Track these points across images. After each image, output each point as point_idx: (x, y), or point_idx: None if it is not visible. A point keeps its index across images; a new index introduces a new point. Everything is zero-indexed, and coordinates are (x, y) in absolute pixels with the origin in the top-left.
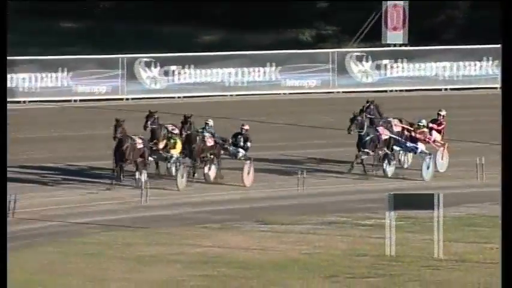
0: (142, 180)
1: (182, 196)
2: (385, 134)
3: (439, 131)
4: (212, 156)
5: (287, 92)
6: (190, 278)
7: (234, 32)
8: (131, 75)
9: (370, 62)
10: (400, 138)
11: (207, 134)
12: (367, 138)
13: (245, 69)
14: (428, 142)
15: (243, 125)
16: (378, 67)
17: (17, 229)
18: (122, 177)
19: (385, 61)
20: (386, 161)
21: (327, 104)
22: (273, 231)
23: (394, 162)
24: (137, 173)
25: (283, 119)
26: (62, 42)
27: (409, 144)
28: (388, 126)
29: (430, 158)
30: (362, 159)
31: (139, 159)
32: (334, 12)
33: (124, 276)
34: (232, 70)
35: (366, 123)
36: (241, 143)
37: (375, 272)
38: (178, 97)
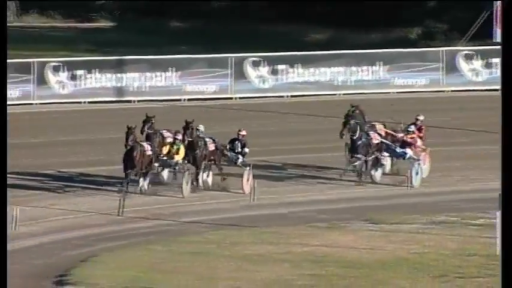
0: (145, 186)
1: (288, 195)
2: (376, 139)
3: (420, 137)
4: (211, 162)
5: (396, 91)
6: (298, 277)
7: (342, 31)
8: (240, 74)
9: (480, 61)
10: (390, 144)
11: (208, 139)
12: (360, 142)
13: (353, 68)
14: (415, 148)
15: (239, 131)
16: (488, 65)
17: (126, 228)
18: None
19: (495, 60)
20: (375, 166)
21: (436, 102)
22: (382, 230)
23: (383, 166)
24: (141, 180)
25: (395, 118)
26: (171, 42)
27: (398, 149)
28: (373, 131)
29: (418, 164)
30: (355, 165)
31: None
32: (443, 10)
33: (232, 275)
34: (340, 69)
35: (359, 127)
36: (239, 149)
37: (484, 272)
38: (287, 96)
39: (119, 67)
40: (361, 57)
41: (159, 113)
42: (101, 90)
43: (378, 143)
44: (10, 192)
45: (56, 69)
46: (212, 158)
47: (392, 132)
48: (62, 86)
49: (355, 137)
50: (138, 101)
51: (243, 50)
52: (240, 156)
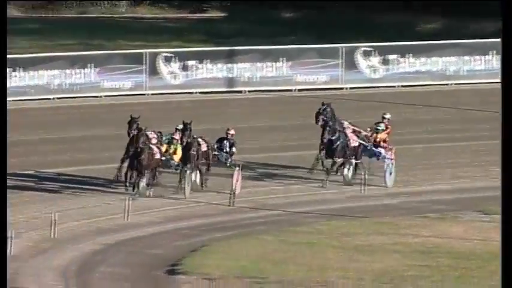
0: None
1: (397, 186)
2: (354, 140)
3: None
4: (204, 162)
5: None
6: (409, 268)
7: (455, 20)
8: (351, 64)
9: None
10: (367, 144)
11: (200, 140)
12: (338, 143)
13: (466, 57)
14: (386, 147)
15: (228, 130)
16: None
17: (237, 218)
18: (135, 186)
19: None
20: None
21: None
22: (495, 221)
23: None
24: (145, 181)
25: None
26: (282, 32)
27: (374, 149)
28: (341, 129)
29: (392, 164)
30: (327, 167)
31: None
32: None
33: (342, 265)
34: (452, 59)
35: (338, 128)
36: (227, 149)
37: None
38: (398, 86)
39: (230, 57)
40: (474, 47)
41: (269, 104)
42: (212, 81)
43: (355, 146)
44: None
45: (167, 60)
46: (204, 158)
47: (361, 130)
48: (173, 77)
49: (333, 138)
50: (249, 91)
51: (354, 39)
52: (229, 156)
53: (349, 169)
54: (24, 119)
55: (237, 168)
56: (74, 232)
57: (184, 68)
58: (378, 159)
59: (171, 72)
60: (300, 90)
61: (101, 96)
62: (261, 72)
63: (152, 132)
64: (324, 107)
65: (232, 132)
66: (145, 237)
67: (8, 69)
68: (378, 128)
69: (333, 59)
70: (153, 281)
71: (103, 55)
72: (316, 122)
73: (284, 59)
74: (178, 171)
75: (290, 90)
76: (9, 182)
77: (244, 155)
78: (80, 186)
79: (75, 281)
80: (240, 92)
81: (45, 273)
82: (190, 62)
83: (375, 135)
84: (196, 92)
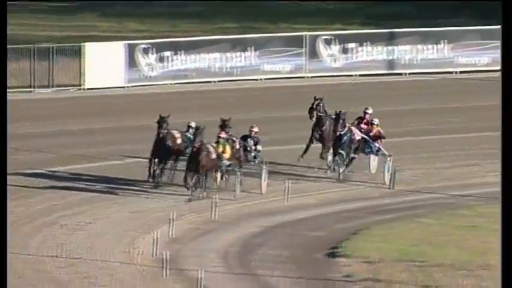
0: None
1: None
2: (357, 135)
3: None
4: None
5: None
6: None
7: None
8: None
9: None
10: (369, 139)
11: (234, 138)
12: (345, 138)
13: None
14: (381, 142)
15: (252, 127)
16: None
17: (398, 201)
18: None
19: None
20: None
21: None
22: None
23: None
24: (207, 181)
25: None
26: (443, 14)
27: (374, 144)
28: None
29: (390, 160)
30: (339, 163)
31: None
32: None
33: None
34: None
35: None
36: (252, 147)
37: None
38: None
39: (390, 40)
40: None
41: (430, 86)
42: (372, 63)
43: (359, 140)
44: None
45: (327, 43)
46: (237, 156)
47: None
48: (333, 59)
49: (342, 133)
50: (410, 73)
51: None
52: (258, 155)
53: (347, 166)
54: (186, 102)
55: (264, 166)
56: (235, 214)
57: (344, 51)
58: (376, 154)
59: (331, 55)
60: (461, 72)
61: (260, 79)
62: (422, 54)
63: (177, 132)
64: (317, 101)
65: (256, 129)
66: (305, 220)
67: (169, 53)
68: (373, 122)
69: (494, 41)
70: (314, 263)
71: (263, 38)
72: (310, 118)
73: (445, 41)
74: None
75: (451, 73)
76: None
77: (407, 137)
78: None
79: (236, 263)
80: (400, 74)
81: (207, 254)
82: (350, 45)
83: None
84: (356, 75)
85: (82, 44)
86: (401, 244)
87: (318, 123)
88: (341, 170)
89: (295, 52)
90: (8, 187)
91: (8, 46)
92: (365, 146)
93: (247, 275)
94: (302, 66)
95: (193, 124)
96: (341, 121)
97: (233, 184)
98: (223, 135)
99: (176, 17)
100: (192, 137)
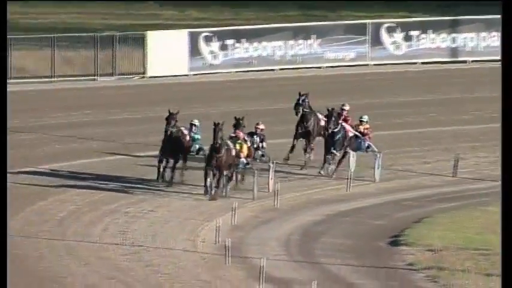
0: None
1: None
2: (350, 132)
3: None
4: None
5: None
6: None
7: None
8: None
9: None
10: (360, 136)
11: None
12: (339, 135)
13: None
14: (371, 139)
15: (257, 124)
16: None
17: (461, 189)
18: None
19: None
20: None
21: None
22: None
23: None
24: (223, 180)
25: None
26: None
27: (364, 141)
28: (316, 119)
29: (380, 157)
30: (330, 162)
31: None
32: None
33: None
34: None
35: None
36: (258, 144)
37: None
38: None
39: (453, 27)
40: None
41: (494, 74)
42: (435, 51)
43: (351, 137)
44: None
45: (390, 30)
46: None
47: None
48: (396, 47)
49: (336, 130)
50: (473, 61)
51: None
52: (264, 152)
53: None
54: (248, 90)
55: (271, 164)
56: (296, 202)
57: (407, 38)
58: (366, 151)
59: (393, 43)
60: None
61: (323, 67)
62: (486, 41)
63: (185, 129)
64: (303, 97)
65: (262, 126)
66: (366, 208)
67: (232, 41)
68: (362, 119)
69: None
70: (376, 251)
71: (326, 26)
72: (296, 114)
73: None
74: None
75: None
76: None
77: (470, 126)
78: (301, 158)
79: (297, 251)
80: (464, 62)
81: (268, 242)
82: (414, 32)
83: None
84: (418, 62)
85: (145, 32)
86: (465, 232)
87: (302, 120)
88: (330, 169)
89: (358, 40)
90: (69, 175)
91: (71, 34)
92: (355, 143)
93: (308, 263)
94: (365, 54)
95: (196, 122)
96: (333, 118)
97: (250, 183)
98: (240, 134)
99: (238, 5)
100: (195, 135)
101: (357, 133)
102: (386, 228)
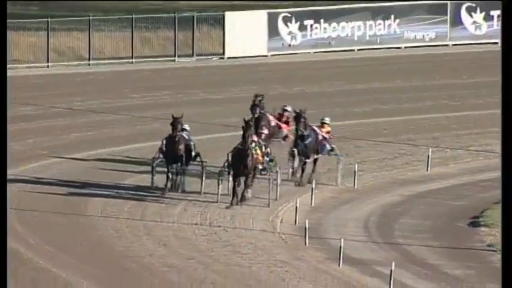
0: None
1: None
2: (320, 134)
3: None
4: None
5: None
6: None
7: None
8: None
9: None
10: (326, 138)
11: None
12: (310, 140)
13: None
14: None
15: (262, 128)
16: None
17: None
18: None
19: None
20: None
21: None
22: None
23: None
24: (247, 188)
25: None
26: None
27: (327, 145)
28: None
29: (342, 161)
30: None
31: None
32: None
33: None
34: None
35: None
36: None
37: None
38: None
39: None
40: None
41: None
42: None
43: (321, 140)
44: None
45: (470, 10)
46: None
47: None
48: (476, 27)
49: (306, 133)
50: None
51: None
52: (271, 157)
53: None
54: (326, 71)
55: (279, 170)
56: (375, 183)
57: (487, 18)
58: (329, 154)
59: (474, 23)
60: None
61: (402, 48)
62: None
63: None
64: (260, 98)
65: (265, 132)
66: (445, 189)
67: (310, 21)
68: (324, 121)
69: None
70: (455, 232)
71: (405, 6)
72: (253, 115)
73: None
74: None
75: None
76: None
77: None
78: (376, 138)
79: (376, 232)
80: None
81: (347, 223)
82: (493, 12)
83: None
84: (499, 43)
85: (224, 13)
86: None
87: (258, 121)
88: (299, 174)
89: (438, 20)
90: (150, 156)
91: (150, 15)
92: (318, 146)
93: (387, 243)
94: (445, 34)
95: (187, 126)
96: (303, 120)
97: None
98: (255, 138)
99: None
100: (189, 142)
101: (325, 136)
102: (465, 209)
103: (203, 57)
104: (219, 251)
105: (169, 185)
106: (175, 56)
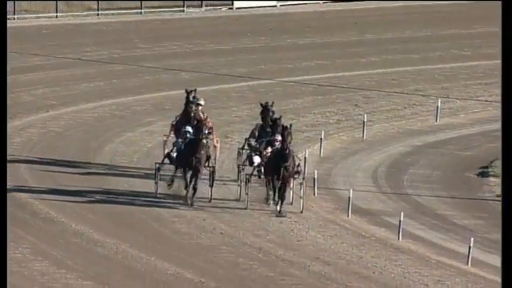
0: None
1: None
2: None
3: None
4: None
5: None
6: None
7: None
8: None
9: None
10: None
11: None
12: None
13: None
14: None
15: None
16: None
17: None
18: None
19: None
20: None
21: None
22: None
23: None
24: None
25: None
26: None
27: None
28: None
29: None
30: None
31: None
32: None
33: None
34: None
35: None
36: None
37: None
38: None
39: None
40: None
41: None
42: None
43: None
44: None
45: None
46: None
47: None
48: None
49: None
50: None
51: None
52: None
53: None
54: (336, 21)
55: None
56: (384, 134)
57: None
58: None
59: None
60: None
61: None
62: None
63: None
64: (193, 94)
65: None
66: (455, 139)
67: None
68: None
69: None
70: (464, 183)
71: None
72: (190, 113)
73: None
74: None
75: None
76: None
77: None
78: (385, 89)
79: (385, 182)
80: None
81: (356, 174)
82: None
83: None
84: None
85: None
86: None
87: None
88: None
89: None
90: (156, 106)
91: None
92: None
93: (396, 194)
94: None
95: (189, 128)
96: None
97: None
98: (279, 138)
99: None
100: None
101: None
102: (475, 159)
103: (212, 7)
104: (228, 202)
105: (190, 193)
106: (184, 7)
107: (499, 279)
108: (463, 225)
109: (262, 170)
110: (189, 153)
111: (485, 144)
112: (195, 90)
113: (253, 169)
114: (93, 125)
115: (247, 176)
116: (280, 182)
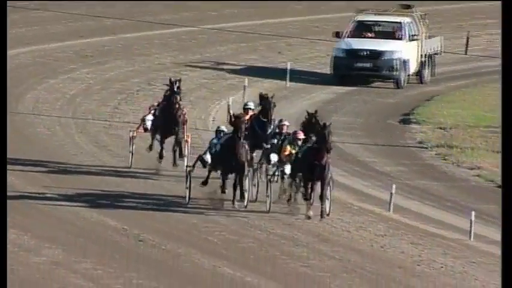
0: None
1: None
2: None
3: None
4: None
5: None
6: None
7: None
8: None
9: None
10: None
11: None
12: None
13: None
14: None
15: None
16: None
17: (472, 66)
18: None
19: None
20: None
21: None
22: None
23: None
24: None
25: None
26: None
27: None
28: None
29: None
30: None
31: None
32: None
33: None
34: None
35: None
36: None
37: None
38: None
39: None
40: None
41: None
42: None
43: None
44: None
45: None
46: None
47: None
48: None
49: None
50: None
51: None
52: None
53: None
54: None
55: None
56: (307, 80)
57: None
58: None
59: None
60: None
61: None
62: None
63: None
64: (177, 84)
65: (287, 123)
66: (376, 87)
67: None
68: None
69: None
70: (387, 130)
71: None
72: (174, 104)
73: None
74: None
75: None
76: None
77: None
78: (308, 36)
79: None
80: None
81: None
82: None
83: None
84: None
85: None
86: (475, 110)
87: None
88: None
89: None
90: (79, 53)
91: None
92: None
93: None
94: None
95: (223, 128)
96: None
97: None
98: (301, 136)
99: None
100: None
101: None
102: (396, 107)
103: None
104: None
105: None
106: None
107: (419, 224)
108: (385, 172)
109: (286, 170)
110: (228, 153)
111: (406, 92)
112: (179, 80)
113: (276, 168)
114: (15, 72)
115: (268, 177)
116: (318, 182)
